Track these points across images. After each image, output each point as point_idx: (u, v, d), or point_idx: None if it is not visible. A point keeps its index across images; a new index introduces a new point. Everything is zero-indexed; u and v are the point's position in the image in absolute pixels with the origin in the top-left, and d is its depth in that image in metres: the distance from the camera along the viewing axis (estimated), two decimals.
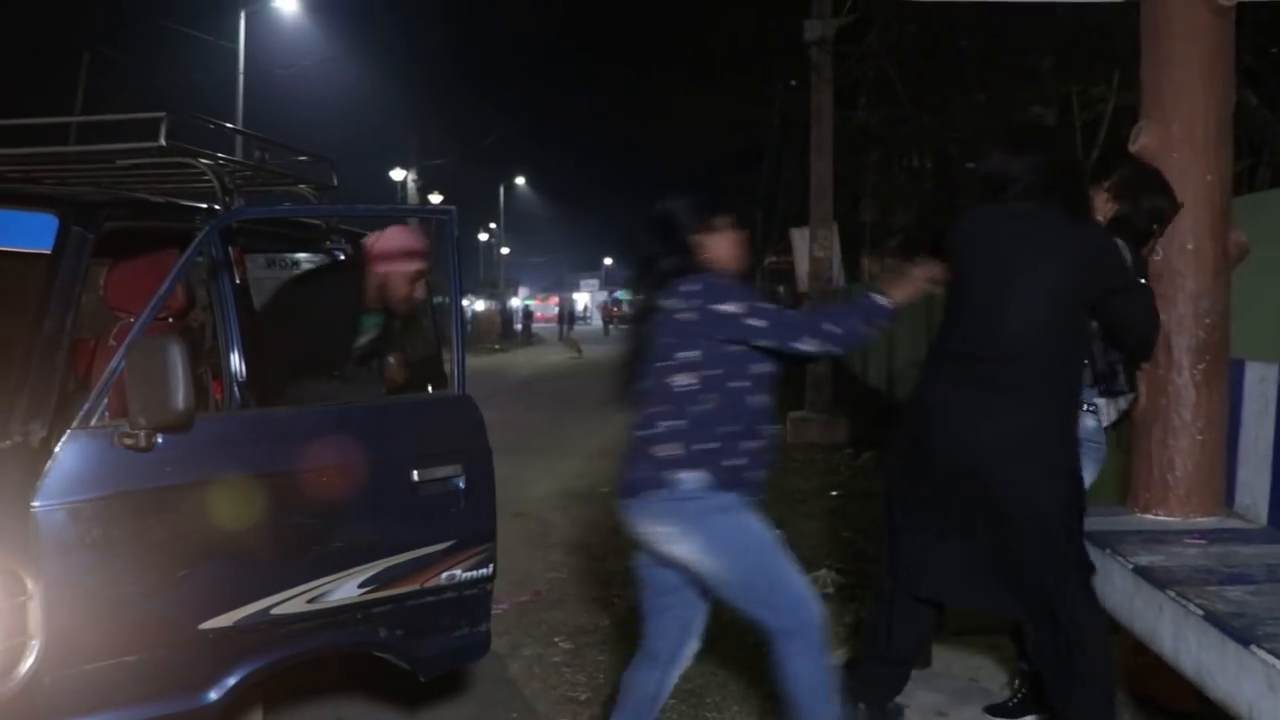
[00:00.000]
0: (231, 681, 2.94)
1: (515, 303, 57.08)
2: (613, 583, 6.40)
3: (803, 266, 15.02)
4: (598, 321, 61.80)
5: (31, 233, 3.02)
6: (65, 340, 2.84)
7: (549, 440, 13.16)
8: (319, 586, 3.10)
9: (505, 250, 63.77)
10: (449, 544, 3.40)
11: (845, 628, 5.53)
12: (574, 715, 4.41)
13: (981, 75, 14.29)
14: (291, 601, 3.04)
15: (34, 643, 2.53)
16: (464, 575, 3.45)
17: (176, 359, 2.66)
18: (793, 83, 19.04)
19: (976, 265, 3.38)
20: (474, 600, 3.51)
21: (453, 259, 3.52)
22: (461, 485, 3.45)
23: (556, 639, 5.37)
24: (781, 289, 37.18)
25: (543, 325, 57.40)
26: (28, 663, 2.52)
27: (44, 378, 2.76)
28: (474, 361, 30.59)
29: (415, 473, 3.35)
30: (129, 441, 2.71)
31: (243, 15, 23.58)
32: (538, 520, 8.36)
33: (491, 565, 3.54)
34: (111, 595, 2.72)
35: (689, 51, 22.94)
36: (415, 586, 3.34)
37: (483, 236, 58.70)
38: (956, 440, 3.32)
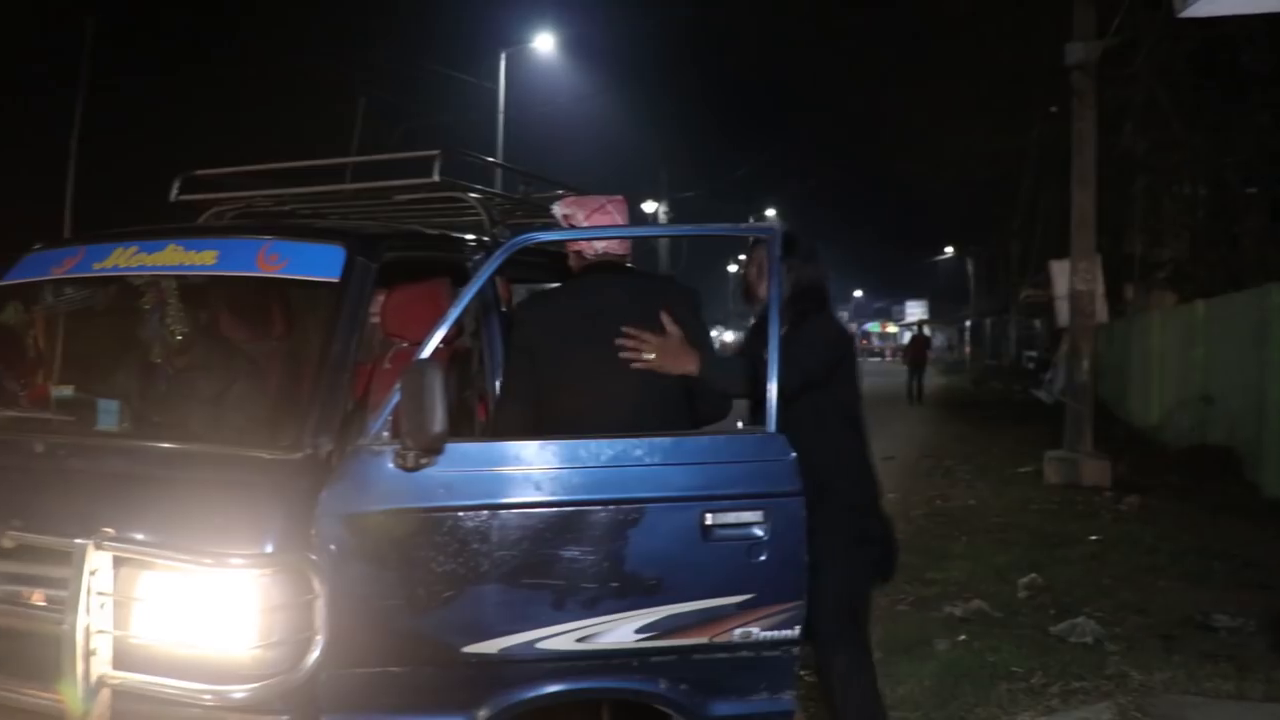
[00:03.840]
0: (493, 710, 2.94)
1: None
2: None
3: (1063, 301, 14.35)
4: None
5: (321, 263, 3.25)
6: (351, 362, 3.06)
7: None
8: (590, 626, 2.94)
9: None
10: (745, 598, 3.06)
11: (1107, 680, 5.25)
12: None
13: (1265, 92, 13.35)
14: (559, 638, 2.93)
15: (318, 639, 2.71)
16: (762, 634, 3.08)
17: (435, 384, 2.75)
18: (1052, 109, 18.32)
19: None
20: (775, 663, 3.14)
21: (774, 280, 3.25)
22: (763, 534, 3.06)
23: (802, 672, 5.32)
24: (1037, 323, 35.78)
25: None
26: (313, 657, 2.70)
27: (331, 397, 2.96)
28: None
29: (708, 516, 3.03)
30: (399, 462, 2.84)
31: (503, 57, 24.79)
32: None
33: (798, 627, 3.13)
34: (382, 607, 2.85)
35: (944, 81, 22.46)
36: (703, 640, 3.04)
37: (732, 268, 59.06)
38: None
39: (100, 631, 2.69)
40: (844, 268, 71.56)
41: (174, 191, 4.45)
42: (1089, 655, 5.66)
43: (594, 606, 2.94)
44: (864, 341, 72.05)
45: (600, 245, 3.60)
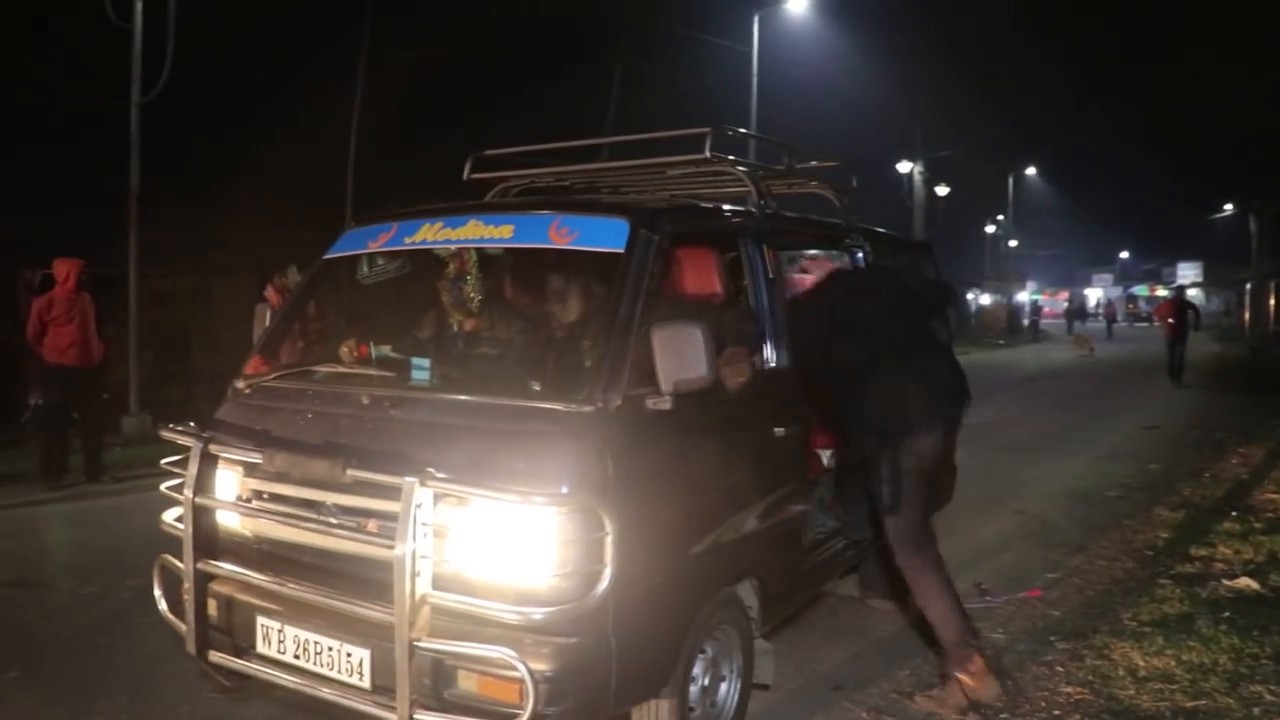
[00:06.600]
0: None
1: (1022, 297, 54.58)
2: (1115, 591, 6.22)
3: None
4: None
5: (608, 235, 3.57)
6: (635, 326, 3.36)
7: (1053, 440, 12.76)
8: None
9: (1013, 243, 61.01)
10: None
11: None
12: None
13: None
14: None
15: (607, 571, 3.05)
16: None
17: (699, 340, 3.24)
18: None
19: None
20: None
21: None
22: None
23: (1052, 638, 5.35)
24: None
25: (1050, 321, 54.65)
26: (602, 586, 3.04)
27: (619, 356, 3.29)
28: (977, 356, 28.95)
29: None
30: (662, 406, 3.27)
31: (756, 19, 24.75)
32: (1039, 519, 8.25)
33: None
34: (648, 533, 3.25)
35: (1223, 22, 20.92)
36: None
37: (989, 229, 56.67)
38: None
39: (423, 556, 3.10)
40: (1111, 226, 67.29)
41: (466, 170, 4.90)
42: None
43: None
44: (1130, 306, 68.27)
45: None
